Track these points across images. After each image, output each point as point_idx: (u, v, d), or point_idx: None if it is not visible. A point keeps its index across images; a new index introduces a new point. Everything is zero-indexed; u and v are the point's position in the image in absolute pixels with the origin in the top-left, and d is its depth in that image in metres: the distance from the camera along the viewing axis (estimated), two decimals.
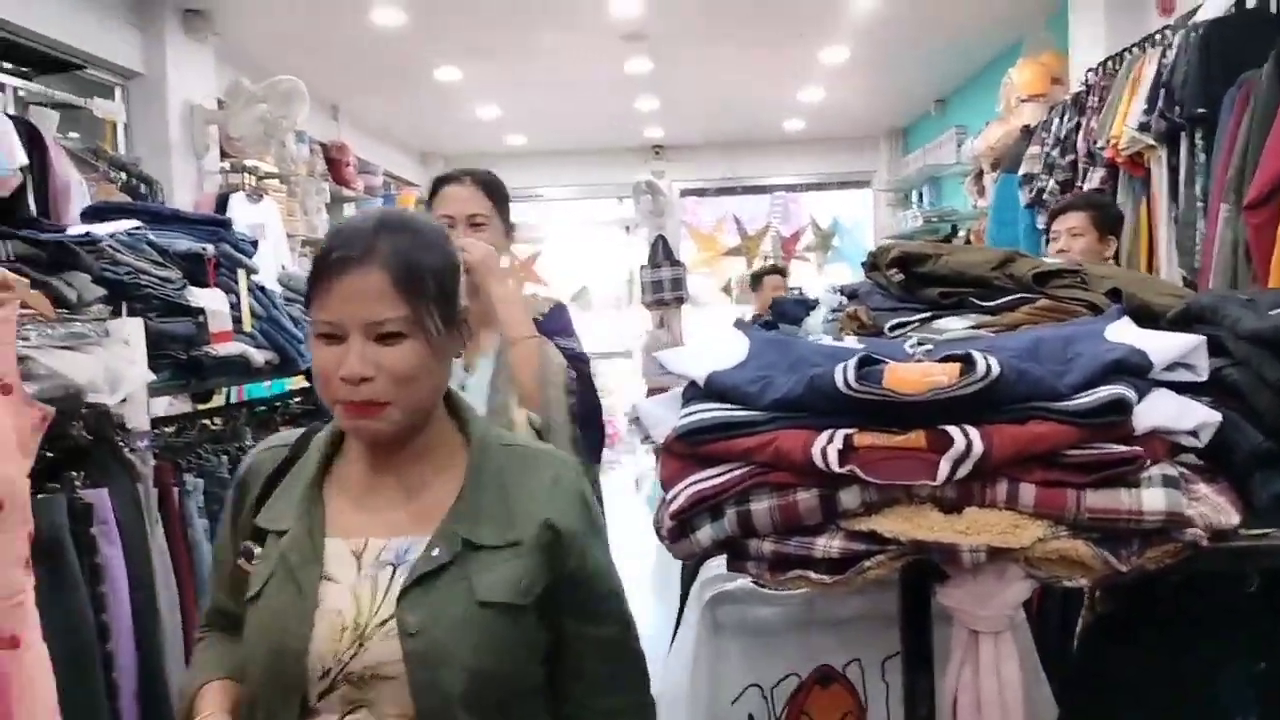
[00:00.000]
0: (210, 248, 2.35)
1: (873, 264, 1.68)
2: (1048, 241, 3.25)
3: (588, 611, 1.17)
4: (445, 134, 8.54)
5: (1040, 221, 4.04)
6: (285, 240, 5.10)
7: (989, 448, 0.96)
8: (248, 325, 2.46)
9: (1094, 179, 3.73)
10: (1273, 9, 3.07)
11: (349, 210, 7.03)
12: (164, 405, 2.47)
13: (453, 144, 8.74)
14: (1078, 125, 3.94)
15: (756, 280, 6.27)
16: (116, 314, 1.96)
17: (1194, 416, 1.02)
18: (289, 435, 1.28)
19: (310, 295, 1.12)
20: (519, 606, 1.11)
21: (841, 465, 0.99)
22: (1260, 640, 1.20)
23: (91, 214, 2.43)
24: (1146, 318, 1.27)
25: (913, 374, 1.03)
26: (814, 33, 5.95)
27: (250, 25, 5.30)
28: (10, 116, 3.18)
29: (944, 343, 1.23)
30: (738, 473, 1.05)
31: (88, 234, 2.01)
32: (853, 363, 1.04)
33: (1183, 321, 1.25)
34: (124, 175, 3.99)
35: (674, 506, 1.07)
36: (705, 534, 1.07)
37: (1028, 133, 4.54)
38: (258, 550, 1.16)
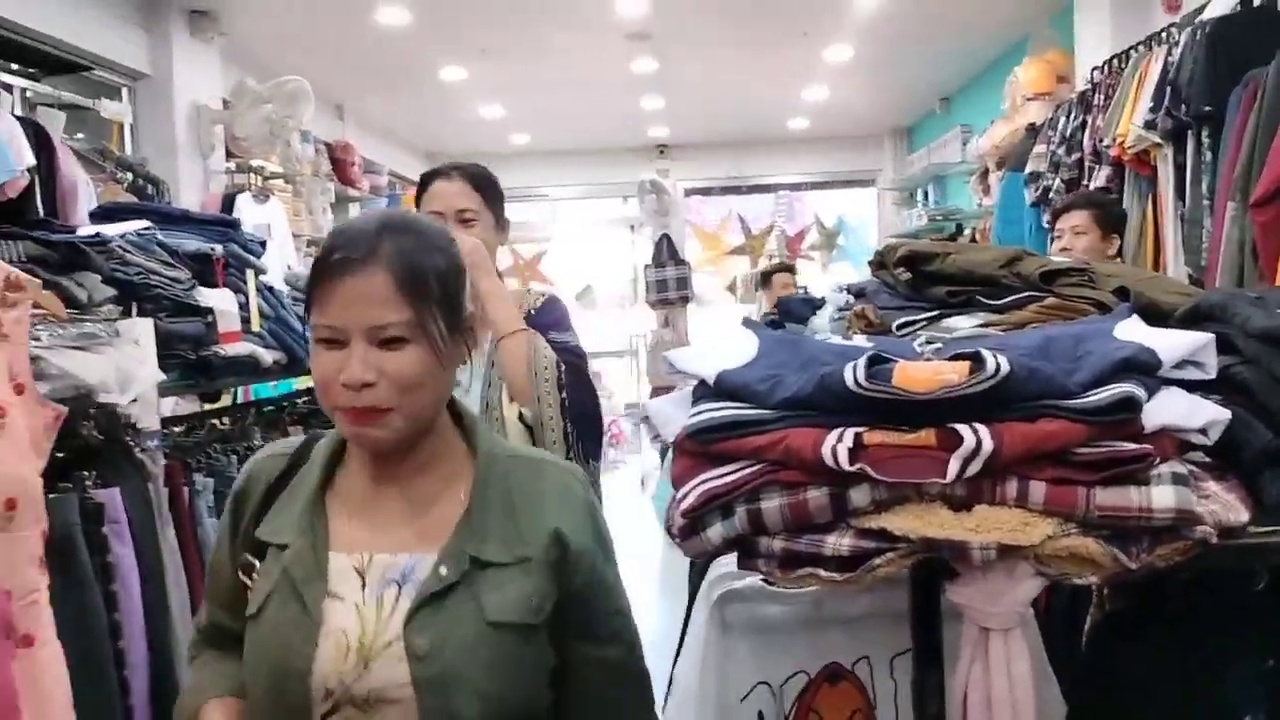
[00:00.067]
0: (219, 248, 2.36)
1: (880, 263, 1.69)
2: (1052, 240, 3.25)
3: (593, 631, 1.13)
4: (450, 133, 8.56)
5: (1046, 220, 4.04)
6: (291, 240, 5.12)
7: (999, 446, 0.97)
8: (256, 325, 2.48)
9: (1100, 177, 3.73)
10: (1279, 6, 3.07)
11: (354, 210, 7.05)
12: (170, 405, 2.48)
13: (457, 143, 8.76)
14: (1083, 124, 3.94)
15: (766, 279, 6.27)
16: (127, 314, 1.97)
17: (1203, 414, 1.02)
18: (288, 444, 1.23)
19: (310, 299, 1.09)
20: (531, 626, 1.07)
21: (852, 463, 0.99)
22: (1269, 638, 1.20)
23: (101, 215, 2.45)
24: (1154, 316, 1.27)
25: (923, 372, 1.03)
26: (818, 32, 5.95)
27: (256, 26, 5.31)
28: (18, 118, 3.20)
29: (953, 341, 1.23)
30: (748, 471, 1.05)
31: (98, 234, 2.02)
32: (862, 361, 1.04)
33: (1192, 319, 1.25)
34: (130, 175, 4.00)
35: (685, 505, 1.07)
36: (716, 532, 1.07)
37: (1033, 131, 4.54)
38: (258, 564, 1.12)
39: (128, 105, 4.75)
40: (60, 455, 1.62)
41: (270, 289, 2.64)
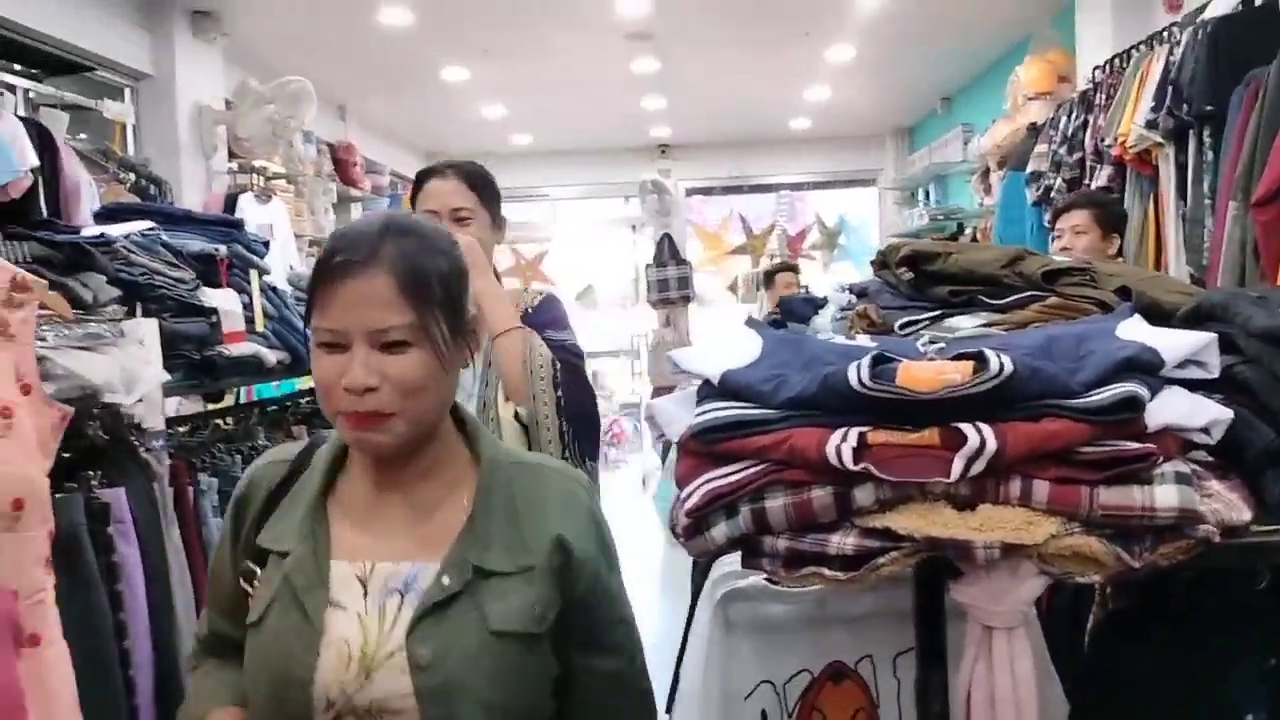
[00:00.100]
0: (223, 248, 2.37)
1: (882, 262, 1.69)
2: (1053, 239, 3.26)
3: (595, 641, 1.12)
4: (451, 134, 8.57)
5: (1047, 219, 4.05)
6: (293, 240, 5.14)
7: (1002, 445, 0.97)
8: (260, 325, 2.48)
9: (1101, 177, 3.74)
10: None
11: (356, 210, 7.07)
12: (173, 405, 2.48)
13: (459, 143, 8.77)
14: (1085, 123, 3.94)
15: (769, 278, 6.27)
16: (131, 314, 1.97)
17: (1206, 414, 1.02)
18: (289, 449, 1.22)
19: (311, 302, 1.07)
20: (534, 635, 1.07)
21: (856, 463, 0.99)
22: (1271, 636, 1.20)
23: (105, 215, 2.45)
24: (1156, 315, 1.28)
25: (926, 372, 1.04)
26: (820, 32, 5.95)
27: (258, 26, 5.32)
28: (21, 118, 3.20)
29: (956, 341, 1.24)
30: (752, 470, 1.05)
31: (102, 235, 2.02)
32: (866, 361, 1.04)
33: (1194, 319, 1.25)
34: (133, 176, 4.01)
35: (689, 504, 1.07)
36: (720, 531, 1.08)
37: (1035, 131, 4.54)
38: (259, 572, 1.11)
39: (130, 106, 4.76)
40: (66, 455, 1.62)
41: (274, 289, 2.65)
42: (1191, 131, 3.17)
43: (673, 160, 9.47)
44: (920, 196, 8.44)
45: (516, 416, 1.84)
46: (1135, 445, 0.97)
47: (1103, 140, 3.70)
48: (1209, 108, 3.02)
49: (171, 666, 1.79)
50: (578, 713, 1.13)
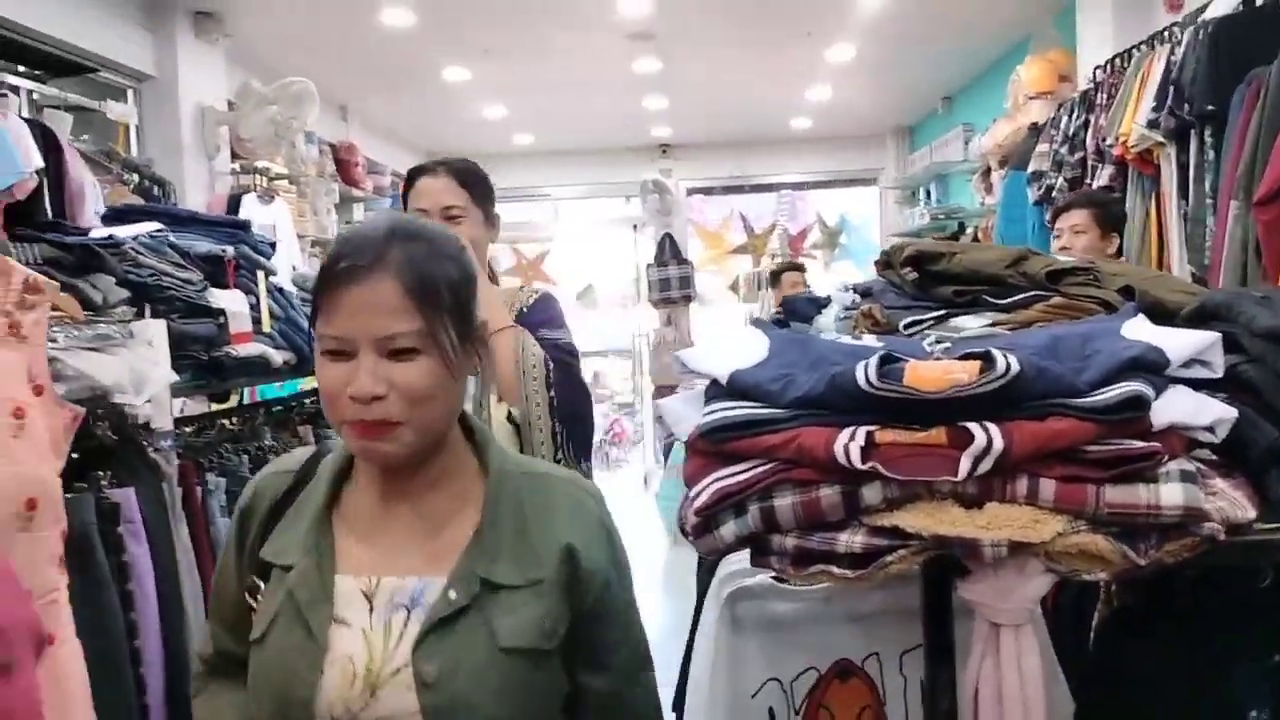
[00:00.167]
0: (230, 249, 2.38)
1: (886, 262, 1.70)
2: (1053, 239, 3.27)
3: (596, 659, 1.09)
4: (453, 134, 8.58)
5: (1048, 219, 4.06)
6: (296, 241, 5.14)
7: (1009, 444, 0.98)
8: (267, 326, 2.49)
9: (1103, 176, 3.74)
10: None
11: (358, 210, 7.08)
12: (179, 406, 2.50)
13: (460, 144, 8.78)
14: (1086, 122, 3.95)
15: (775, 277, 6.28)
16: (140, 316, 1.98)
17: (1211, 412, 1.03)
18: (294, 459, 1.19)
19: (316, 308, 1.04)
20: (543, 651, 1.04)
21: (864, 462, 1.00)
22: (1275, 634, 1.21)
23: (113, 217, 2.46)
24: (1159, 315, 1.28)
25: (933, 372, 1.05)
26: (821, 31, 5.96)
27: (260, 27, 5.33)
28: (26, 120, 3.21)
29: (962, 340, 1.25)
30: (761, 469, 1.06)
31: (111, 237, 2.03)
32: (874, 361, 1.05)
33: (1198, 318, 1.26)
34: (136, 177, 4.02)
35: (698, 503, 1.08)
36: (729, 530, 1.08)
37: (1036, 130, 4.55)
38: (263, 586, 1.09)
39: (133, 107, 4.78)
40: (74, 456, 1.64)
41: (280, 290, 2.66)
42: (1193, 131, 3.17)
43: (674, 160, 9.48)
44: (921, 196, 8.45)
45: (509, 417, 1.83)
46: (1141, 444, 0.98)
47: (1104, 140, 3.71)
48: (1210, 107, 3.03)
49: (181, 665, 1.80)
50: None
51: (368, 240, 1.03)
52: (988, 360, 1.03)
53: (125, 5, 4.67)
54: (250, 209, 4.68)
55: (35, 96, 3.95)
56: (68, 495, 1.53)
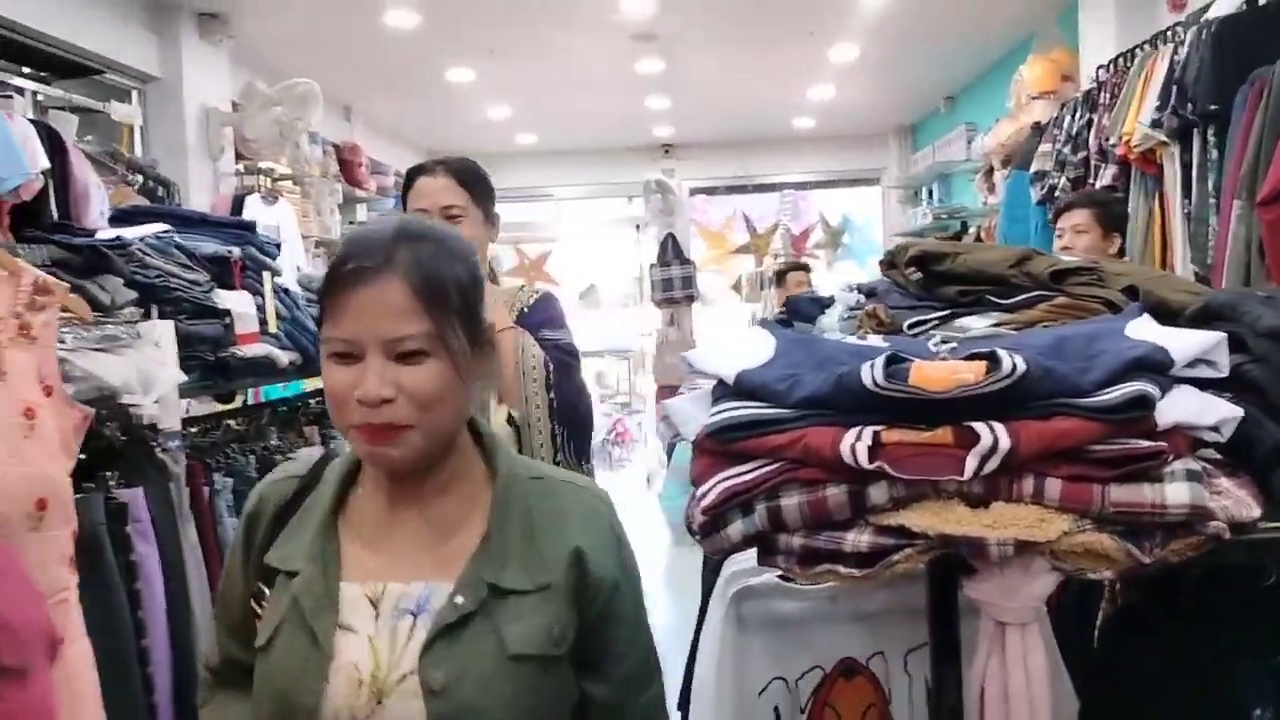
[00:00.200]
0: (236, 250, 2.39)
1: (890, 262, 1.70)
2: (1055, 238, 3.27)
3: (600, 668, 1.07)
4: (456, 134, 8.59)
5: (1050, 218, 4.06)
6: (300, 241, 5.15)
7: (1015, 443, 0.98)
8: (273, 326, 2.50)
9: (1106, 176, 3.75)
10: None
11: (361, 211, 7.08)
12: (184, 407, 2.50)
13: (464, 144, 8.78)
14: (1089, 122, 3.95)
15: (780, 277, 6.29)
16: (147, 316, 1.99)
17: (1216, 412, 1.03)
18: (300, 464, 1.17)
19: (323, 310, 1.03)
20: (553, 657, 1.02)
21: (870, 461, 1.00)
22: (1279, 633, 1.22)
23: (120, 218, 2.47)
24: (1163, 314, 1.28)
25: (939, 372, 1.05)
26: (824, 31, 5.96)
27: (265, 28, 5.34)
28: (31, 121, 3.22)
29: (968, 340, 1.25)
30: (768, 469, 1.06)
31: (118, 238, 2.04)
32: (880, 361, 1.06)
33: (1202, 318, 1.26)
34: (141, 178, 4.03)
35: (705, 502, 1.08)
36: (736, 529, 1.09)
37: (1039, 130, 4.55)
38: (268, 593, 1.07)
39: (138, 108, 4.79)
40: (82, 456, 1.64)
41: (285, 290, 2.67)
42: (1196, 130, 3.18)
43: (676, 160, 9.48)
44: (924, 195, 8.45)
45: (510, 419, 1.83)
46: (1146, 443, 0.99)
47: (1107, 139, 3.72)
48: (1213, 107, 3.03)
49: (189, 664, 1.81)
50: None
51: (375, 241, 1.02)
52: (994, 360, 1.03)
53: (130, 7, 4.68)
54: (254, 210, 4.69)
55: (40, 98, 3.96)
56: (77, 495, 1.54)
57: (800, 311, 2.39)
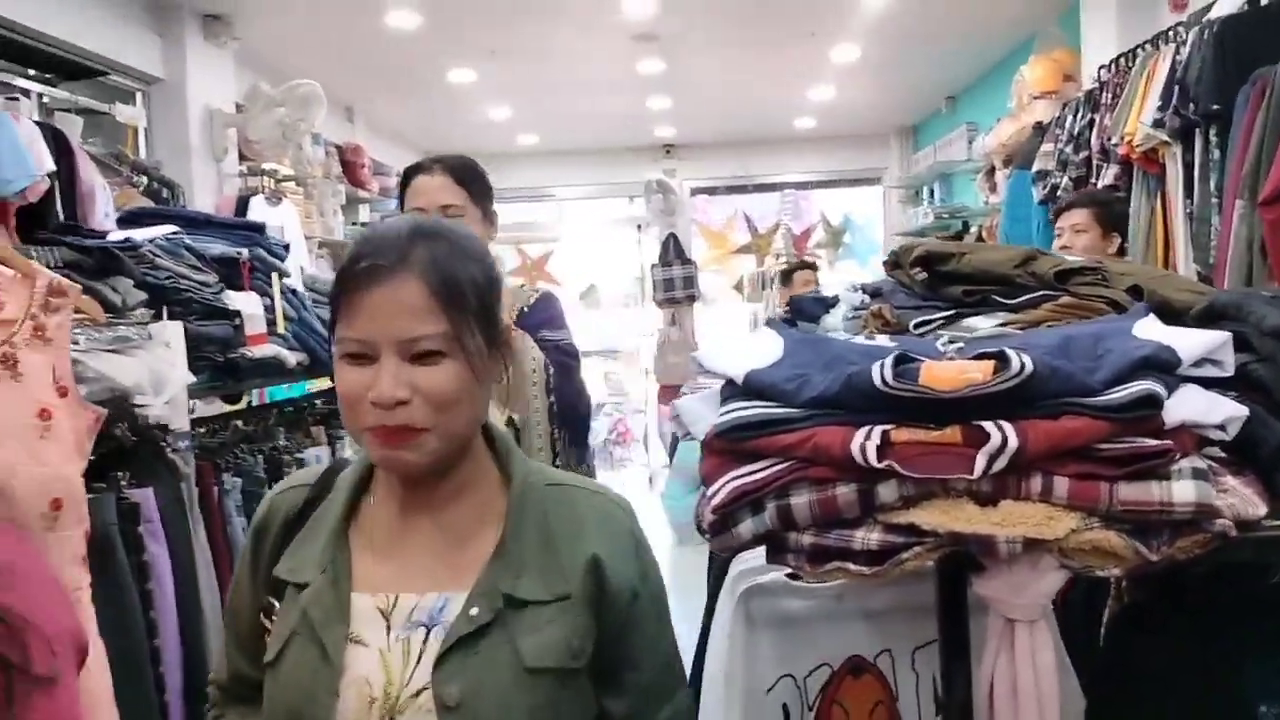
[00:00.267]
0: (245, 252, 2.40)
1: (895, 262, 1.71)
2: (1055, 238, 3.29)
3: (616, 680, 1.04)
4: (458, 134, 8.60)
5: (1051, 218, 4.07)
6: (304, 242, 5.16)
7: (1024, 442, 0.99)
8: (281, 327, 2.51)
9: (1108, 175, 3.75)
10: None
11: (364, 212, 7.09)
12: (189, 408, 2.51)
13: (465, 144, 8.77)
14: (1091, 122, 3.96)
15: (787, 276, 6.30)
16: (158, 318, 2.00)
17: (1222, 411, 1.04)
18: (309, 473, 1.14)
19: (335, 311, 1.00)
20: (571, 670, 0.99)
21: (880, 460, 1.01)
22: None
23: (129, 220, 2.48)
24: (1167, 314, 1.29)
25: (948, 371, 1.06)
26: (825, 32, 5.97)
27: (268, 30, 5.35)
28: (37, 123, 3.23)
29: (975, 340, 1.26)
30: (777, 468, 1.07)
31: (128, 239, 2.05)
32: (889, 361, 1.06)
33: (1207, 318, 1.27)
34: (145, 179, 4.04)
35: (715, 501, 1.09)
36: (746, 528, 1.09)
37: (1040, 129, 4.56)
38: (277, 605, 1.04)
39: (142, 109, 4.80)
40: (93, 456, 1.65)
41: (293, 291, 2.68)
42: (1198, 130, 3.18)
43: (678, 160, 9.49)
44: (925, 195, 8.46)
45: (510, 422, 1.83)
46: (1153, 442, 0.99)
47: (1109, 139, 3.72)
48: (1215, 107, 3.04)
49: (199, 663, 1.82)
50: None
51: (390, 239, 0.99)
52: (1002, 360, 1.04)
53: (134, 8, 4.69)
54: (258, 211, 4.70)
55: (46, 100, 3.97)
56: (89, 495, 1.55)
57: (804, 311, 2.40)
